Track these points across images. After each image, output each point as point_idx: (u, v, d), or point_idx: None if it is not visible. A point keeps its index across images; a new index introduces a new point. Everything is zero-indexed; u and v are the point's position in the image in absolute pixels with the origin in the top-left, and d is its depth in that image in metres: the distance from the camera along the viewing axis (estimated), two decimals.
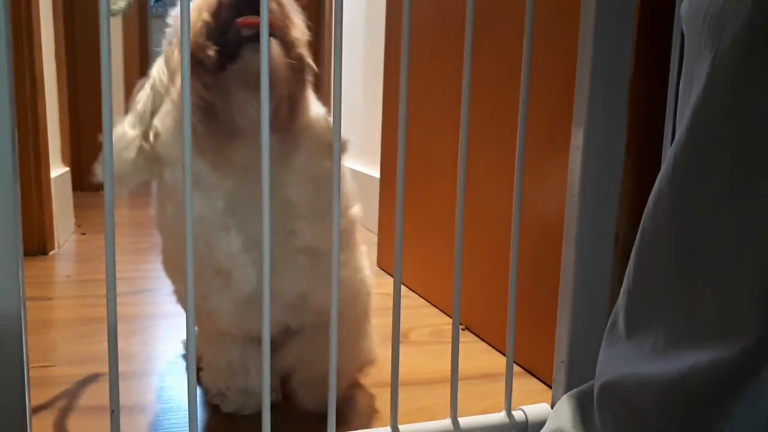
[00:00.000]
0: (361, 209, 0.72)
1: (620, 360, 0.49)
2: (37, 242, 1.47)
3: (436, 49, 1.16)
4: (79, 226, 1.78)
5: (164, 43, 0.67)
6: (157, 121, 0.65)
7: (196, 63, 0.56)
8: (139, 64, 2.96)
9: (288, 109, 0.60)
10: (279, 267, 0.61)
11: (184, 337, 1.01)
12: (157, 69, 0.68)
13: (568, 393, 0.59)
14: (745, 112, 0.41)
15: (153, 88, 0.67)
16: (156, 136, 0.64)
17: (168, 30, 0.66)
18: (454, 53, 1.07)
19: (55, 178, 1.56)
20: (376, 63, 1.57)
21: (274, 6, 0.58)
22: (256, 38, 0.50)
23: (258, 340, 0.69)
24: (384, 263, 1.44)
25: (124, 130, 0.66)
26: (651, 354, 0.46)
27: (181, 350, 0.95)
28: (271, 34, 0.55)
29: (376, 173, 1.51)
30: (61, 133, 1.71)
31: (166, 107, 0.65)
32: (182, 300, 0.92)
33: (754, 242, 0.40)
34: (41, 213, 1.47)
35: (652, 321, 0.47)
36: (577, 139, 0.64)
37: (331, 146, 0.51)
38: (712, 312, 0.42)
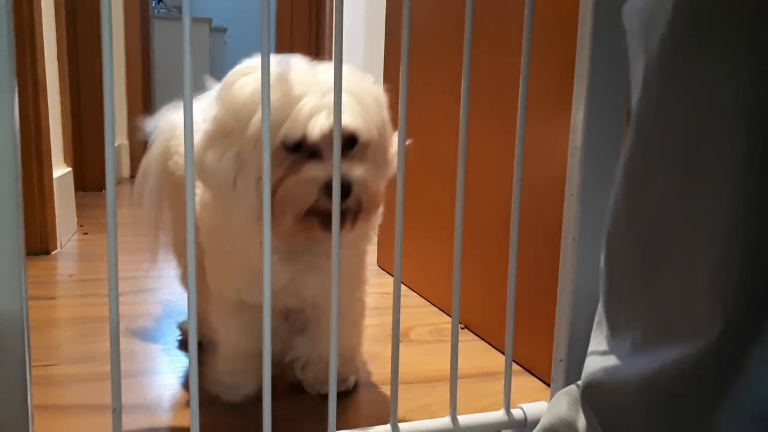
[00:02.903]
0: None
1: (603, 359, 0.50)
2: (39, 242, 1.47)
3: (436, 49, 1.16)
4: (82, 225, 1.78)
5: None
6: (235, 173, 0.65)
7: (295, 220, 0.63)
8: (140, 65, 2.97)
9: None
10: (303, 275, 0.71)
11: (180, 320, 1.03)
12: (242, 145, 0.65)
13: (563, 389, 0.59)
14: (678, 112, 0.41)
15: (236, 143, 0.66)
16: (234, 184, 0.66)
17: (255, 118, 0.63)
18: (454, 53, 1.07)
19: (58, 178, 1.56)
20: (376, 63, 1.58)
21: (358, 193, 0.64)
22: (323, 227, 0.63)
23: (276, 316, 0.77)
24: (384, 263, 1.44)
25: (228, 166, 0.65)
26: (630, 353, 0.47)
27: (177, 334, 0.98)
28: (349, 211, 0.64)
29: None
30: (63, 133, 1.72)
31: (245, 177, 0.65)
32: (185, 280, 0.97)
33: (707, 238, 0.40)
34: (44, 213, 1.48)
35: (630, 320, 0.48)
36: (576, 139, 0.65)
37: None
38: (677, 309, 0.43)
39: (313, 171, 0.62)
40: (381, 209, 0.70)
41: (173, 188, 0.81)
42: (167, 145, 0.85)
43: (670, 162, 0.43)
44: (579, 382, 0.54)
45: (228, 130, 0.64)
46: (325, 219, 0.62)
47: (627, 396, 0.45)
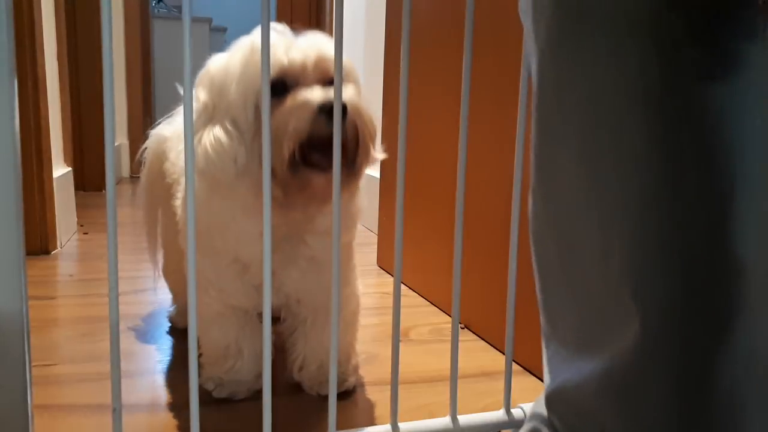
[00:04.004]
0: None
1: (555, 363, 0.49)
2: (39, 242, 1.47)
3: (436, 49, 1.16)
4: (82, 225, 1.78)
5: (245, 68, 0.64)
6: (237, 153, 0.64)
7: (291, 163, 0.61)
8: (140, 65, 2.97)
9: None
10: (284, 267, 0.70)
11: (169, 310, 1.05)
12: (240, 108, 0.64)
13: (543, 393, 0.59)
14: (571, 97, 0.41)
15: (233, 118, 0.65)
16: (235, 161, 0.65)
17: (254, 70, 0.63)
18: (454, 53, 1.07)
19: (58, 178, 1.56)
20: (376, 63, 1.58)
21: (354, 121, 0.62)
22: (323, 167, 0.60)
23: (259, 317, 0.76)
24: (384, 262, 1.44)
25: (223, 140, 0.64)
26: (576, 355, 0.46)
27: (167, 326, 1.01)
28: (345, 155, 0.60)
29: (376, 173, 1.51)
30: (64, 133, 1.72)
31: (244, 147, 0.64)
32: (167, 273, 0.99)
33: (613, 225, 0.40)
34: (44, 213, 1.48)
35: (565, 322, 0.47)
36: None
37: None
38: (602, 303, 0.42)
39: (305, 94, 0.60)
40: (375, 154, 0.67)
41: (167, 192, 0.81)
42: (160, 149, 0.86)
43: (573, 152, 0.42)
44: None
45: (212, 108, 0.64)
46: (325, 150, 0.58)
47: (588, 399, 0.44)
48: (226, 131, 0.63)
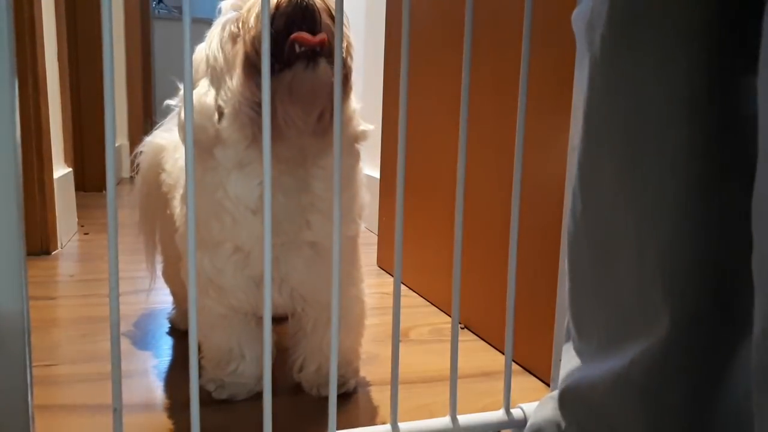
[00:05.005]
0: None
1: (575, 362, 0.50)
2: (40, 242, 1.47)
3: (435, 49, 1.16)
4: (82, 226, 1.78)
5: (218, 25, 0.68)
6: (221, 103, 0.65)
7: (250, 64, 0.61)
8: (141, 65, 2.97)
9: (330, 117, 0.63)
10: (287, 254, 0.69)
11: (169, 312, 1.05)
12: (212, 50, 0.67)
13: (550, 394, 0.60)
14: (620, 105, 0.42)
15: (211, 67, 0.67)
16: (221, 116, 0.65)
17: (227, 17, 0.66)
18: (454, 53, 1.07)
19: (58, 178, 1.56)
20: (375, 63, 1.58)
21: (328, 22, 0.61)
22: (307, 56, 0.58)
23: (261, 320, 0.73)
24: (384, 263, 1.45)
25: (205, 99, 0.65)
26: (597, 353, 0.47)
27: (167, 326, 1.01)
28: (322, 53, 0.59)
29: (376, 173, 1.51)
30: (64, 133, 1.72)
31: (225, 93, 0.65)
32: (168, 277, 0.99)
33: (650, 229, 0.41)
34: (44, 213, 1.48)
35: (593, 320, 0.48)
36: (575, 139, 0.65)
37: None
38: (632, 306, 0.43)
39: None
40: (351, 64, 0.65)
41: (164, 201, 0.81)
42: (155, 160, 0.86)
43: (615, 156, 0.43)
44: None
45: (203, 74, 0.66)
46: (304, 55, 0.58)
47: (602, 397, 0.45)
48: (204, 88, 0.64)
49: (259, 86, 0.59)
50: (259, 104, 0.61)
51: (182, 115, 0.63)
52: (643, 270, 0.42)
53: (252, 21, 0.61)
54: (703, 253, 0.40)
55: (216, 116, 0.64)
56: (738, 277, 0.39)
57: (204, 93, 0.65)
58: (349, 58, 0.64)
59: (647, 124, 0.41)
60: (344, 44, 0.61)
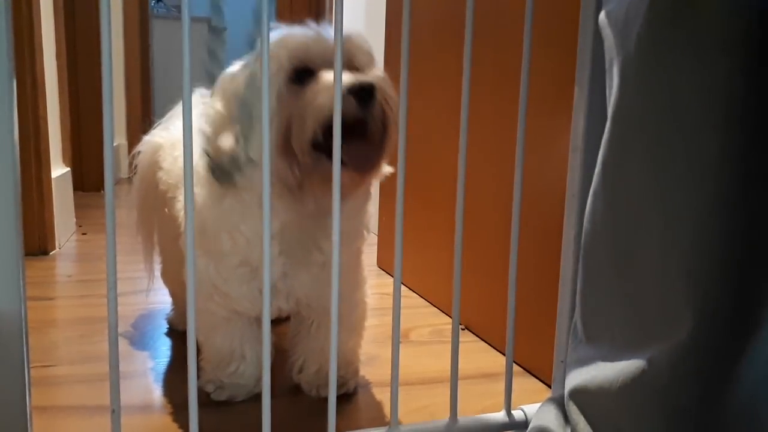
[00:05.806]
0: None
1: (583, 364, 0.50)
2: (38, 242, 1.47)
3: (436, 50, 1.16)
4: (80, 226, 1.78)
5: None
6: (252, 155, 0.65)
7: (290, 150, 0.61)
8: (140, 65, 2.97)
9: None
10: (295, 271, 0.69)
11: (168, 313, 1.04)
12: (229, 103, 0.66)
13: (549, 397, 0.59)
14: (654, 107, 0.42)
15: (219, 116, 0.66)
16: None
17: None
18: (454, 53, 1.07)
19: (56, 178, 1.56)
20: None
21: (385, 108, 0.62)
22: (348, 156, 0.57)
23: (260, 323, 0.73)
24: (384, 263, 1.44)
25: (223, 144, 0.65)
26: (609, 354, 0.47)
27: (166, 327, 1.01)
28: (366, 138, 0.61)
29: None
30: (62, 133, 1.71)
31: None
32: (167, 277, 0.99)
33: (677, 230, 0.41)
34: (42, 213, 1.47)
35: (606, 321, 0.48)
36: (576, 140, 0.65)
37: None
38: (652, 308, 0.43)
39: (332, 76, 0.58)
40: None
41: (162, 199, 0.81)
42: (153, 159, 0.85)
43: (644, 157, 0.43)
44: (564, 392, 0.54)
45: (227, 116, 0.64)
46: (350, 139, 0.56)
47: (613, 398, 0.45)
48: (235, 137, 0.63)
49: (291, 169, 0.61)
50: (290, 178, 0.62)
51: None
52: (667, 271, 0.42)
53: (323, 104, 0.58)
54: (728, 255, 0.40)
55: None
56: (761, 287, 0.39)
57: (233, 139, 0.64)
58: (392, 127, 0.63)
59: (681, 127, 0.41)
60: (389, 111, 0.62)
